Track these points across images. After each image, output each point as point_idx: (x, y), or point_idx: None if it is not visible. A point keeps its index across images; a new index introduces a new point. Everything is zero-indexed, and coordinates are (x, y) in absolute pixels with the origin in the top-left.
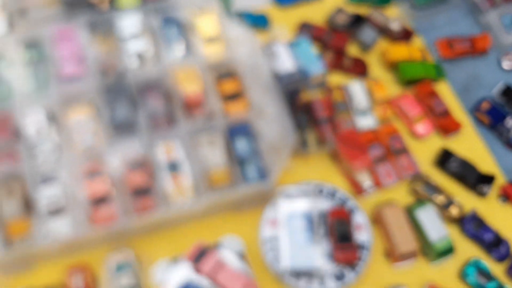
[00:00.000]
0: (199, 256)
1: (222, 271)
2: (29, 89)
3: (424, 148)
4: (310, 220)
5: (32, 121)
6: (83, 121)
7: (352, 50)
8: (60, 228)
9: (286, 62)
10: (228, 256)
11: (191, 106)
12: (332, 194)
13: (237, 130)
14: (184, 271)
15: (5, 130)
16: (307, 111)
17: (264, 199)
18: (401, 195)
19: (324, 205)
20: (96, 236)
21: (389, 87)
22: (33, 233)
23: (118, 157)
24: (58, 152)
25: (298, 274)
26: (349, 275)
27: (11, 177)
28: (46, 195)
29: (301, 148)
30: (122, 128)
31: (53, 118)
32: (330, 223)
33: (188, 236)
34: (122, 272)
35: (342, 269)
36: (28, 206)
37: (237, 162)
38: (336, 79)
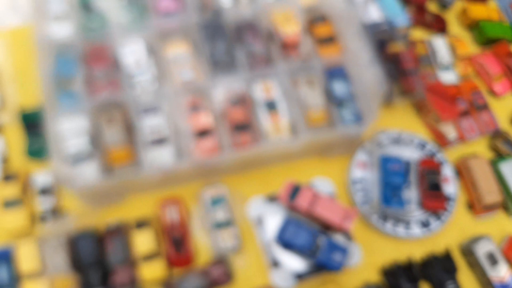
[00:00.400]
0: (294, 193)
1: (320, 204)
2: (125, 21)
3: (501, 106)
4: (403, 166)
5: (131, 51)
6: (181, 56)
7: (431, 7)
8: (162, 158)
9: (373, 12)
10: (323, 192)
11: (288, 47)
12: (422, 145)
13: (334, 72)
14: (280, 209)
15: (105, 59)
16: (393, 62)
17: (353, 144)
18: (482, 149)
19: (414, 155)
20: (194, 169)
21: (467, 45)
22: (134, 161)
23: (219, 92)
24: (157, 84)
25: (386, 216)
26: (435, 223)
27: (112, 105)
28: (149, 125)
29: (386, 97)
30: (221, 65)
31: (151, 50)
32: (420, 172)
33: (279, 176)
34: (217, 206)
35: (428, 217)
36: (130, 134)
37: (335, 103)
38: (416, 33)
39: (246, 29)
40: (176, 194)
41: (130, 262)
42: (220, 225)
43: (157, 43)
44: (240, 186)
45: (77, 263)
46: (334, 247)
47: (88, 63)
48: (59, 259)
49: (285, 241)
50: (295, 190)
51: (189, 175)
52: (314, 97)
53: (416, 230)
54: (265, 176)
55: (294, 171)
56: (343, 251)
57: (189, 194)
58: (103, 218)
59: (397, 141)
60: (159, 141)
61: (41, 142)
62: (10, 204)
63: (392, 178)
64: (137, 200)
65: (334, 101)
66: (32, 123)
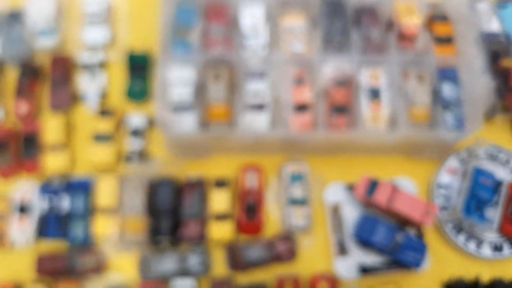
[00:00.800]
0: (371, 188)
1: (400, 199)
2: None
3: None
4: (494, 183)
5: (250, 14)
6: (296, 27)
7: None
8: (258, 124)
9: (491, 22)
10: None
11: (406, 38)
12: None
13: (446, 73)
14: (355, 203)
15: (223, 17)
16: (502, 76)
17: (446, 150)
18: None
19: (508, 177)
20: (282, 141)
21: None
22: (231, 121)
23: (327, 70)
24: (268, 51)
25: (461, 228)
26: (508, 250)
27: (222, 62)
28: (252, 88)
29: (489, 110)
30: (334, 44)
31: (269, 16)
32: (508, 195)
33: (361, 167)
34: (296, 183)
35: (503, 242)
36: (232, 94)
37: (440, 105)
38: None
39: (366, 13)
40: (257, 162)
41: (202, 218)
42: (295, 202)
43: (276, 10)
44: (320, 168)
45: (152, 208)
46: (413, 243)
47: (207, 18)
48: (136, 200)
49: (363, 239)
50: (372, 185)
51: (274, 146)
52: (422, 94)
53: (487, 251)
54: (347, 164)
55: (378, 165)
56: (422, 248)
57: (270, 165)
58: (185, 170)
59: (494, 158)
60: (259, 107)
61: (142, 85)
62: (101, 138)
63: (481, 191)
64: (220, 160)
65: (440, 102)
66: (137, 65)
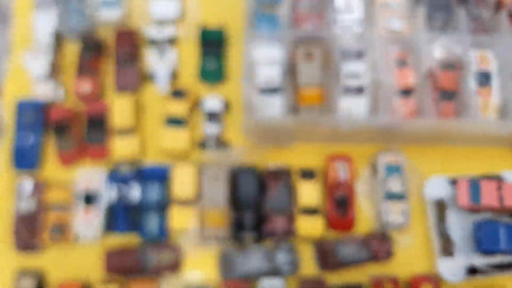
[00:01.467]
0: (475, 193)
1: (510, 193)
2: None
3: None
4: None
5: None
6: (395, 3)
7: None
8: (356, 109)
9: None
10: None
11: None
12: None
13: None
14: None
15: None
16: None
17: None
18: None
19: None
20: (378, 128)
21: None
22: (324, 106)
23: (433, 51)
24: (364, 27)
25: None
26: None
27: (313, 40)
28: (349, 69)
29: None
30: (438, 21)
31: None
32: None
33: (462, 159)
34: (393, 176)
35: None
36: (326, 75)
37: None
38: None
39: None
40: (344, 152)
41: (289, 212)
42: (392, 197)
43: None
44: (418, 159)
45: (234, 200)
46: None
47: None
48: (217, 191)
49: (490, 250)
50: (474, 188)
51: (366, 134)
52: None
53: None
54: (447, 155)
55: (480, 158)
56: None
57: (359, 155)
58: (266, 159)
59: None
60: (357, 90)
61: (217, 64)
62: (174, 121)
63: None
64: (302, 149)
65: None
66: (211, 42)
